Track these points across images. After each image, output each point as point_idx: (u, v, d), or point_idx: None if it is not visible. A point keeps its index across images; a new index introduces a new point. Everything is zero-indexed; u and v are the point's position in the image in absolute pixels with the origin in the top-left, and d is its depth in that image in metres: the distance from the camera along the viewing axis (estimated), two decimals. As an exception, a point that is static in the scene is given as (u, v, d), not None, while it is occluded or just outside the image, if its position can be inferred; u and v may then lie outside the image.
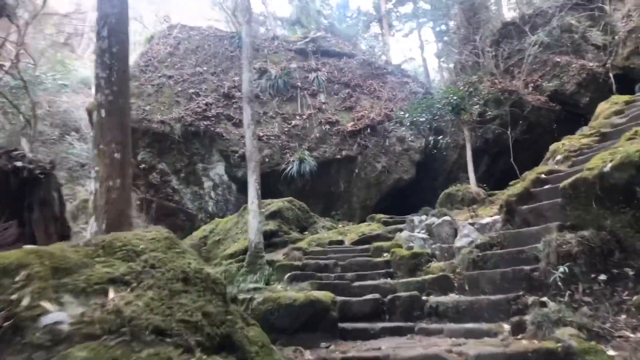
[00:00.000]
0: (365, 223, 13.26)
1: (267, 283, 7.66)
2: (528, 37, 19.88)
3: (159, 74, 17.90)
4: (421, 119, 11.39)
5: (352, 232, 12.30)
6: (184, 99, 17.21)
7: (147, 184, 17.09)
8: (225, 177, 16.02)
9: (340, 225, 14.37)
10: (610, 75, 18.46)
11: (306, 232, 12.67)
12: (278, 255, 10.08)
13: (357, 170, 16.61)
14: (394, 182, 16.60)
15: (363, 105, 18.26)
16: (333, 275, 7.18)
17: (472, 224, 7.26)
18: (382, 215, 13.61)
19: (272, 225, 11.66)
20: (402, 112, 11.84)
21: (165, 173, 16.65)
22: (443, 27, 33.67)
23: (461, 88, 11.28)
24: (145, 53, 18.92)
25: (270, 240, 11.52)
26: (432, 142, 12.73)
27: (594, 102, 18.08)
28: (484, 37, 21.25)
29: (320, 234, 12.23)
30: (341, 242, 10.89)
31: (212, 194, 16.48)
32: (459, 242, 6.91)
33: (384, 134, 17.35)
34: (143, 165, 16.61)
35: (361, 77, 19.54)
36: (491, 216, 7.70)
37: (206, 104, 16.87)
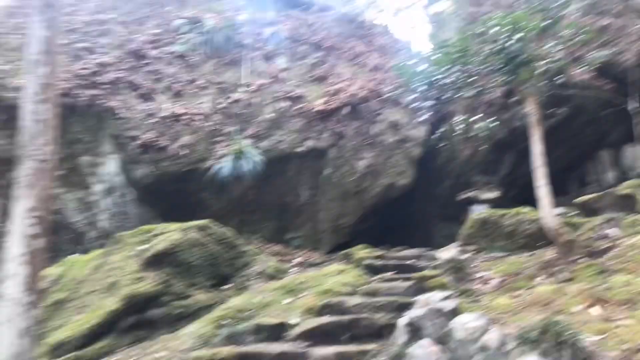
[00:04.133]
0: (335, 266, 7.60)
1: None
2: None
3: (35, 19, 11.94)
4: (447, 80, 5.78)
5: (309, 287, 6.67)
6: (67, 56, 11.28)
7: (9, 185, 11.18)
8: (121, 178, 10.20)
9: (293, 264, 8.70)
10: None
11: (228, 286, 6.99)
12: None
13: (327, 171, 10.91)
14: (383, 190, 10.96)
15: (340, 74, 12.54)
16: None
17: None
18: (365, 251, 8.00)
19: (149, 283, 5.92)
20: (411, 63, 6.15)
21: (35, 169, 10.72)
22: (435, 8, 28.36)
23: (522, 19, 5.64)
24: (22, -10, 12.94)
25: (144, 315, 5.82)
26: (454, 124, 7.03)
27: (663, 79, 12.61)
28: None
29: (250, 293, 6.54)
30: (280, 329, 5.22)
31: (105, 201, 10.64)
32: None
33: (369, 118, 11.68)
34: None
35: (339, 36, 13.81)
36: None
37: (100, 65, 10.95)
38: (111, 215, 10.64)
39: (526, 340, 2.93)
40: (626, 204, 6.92)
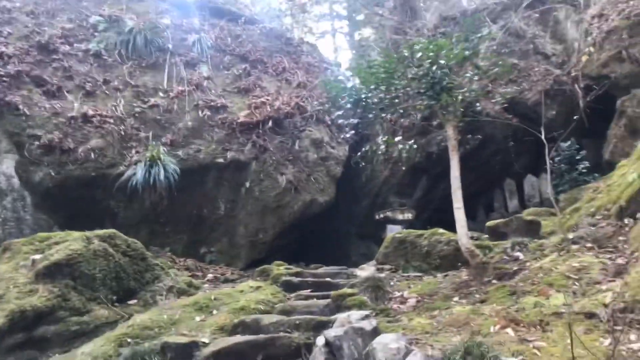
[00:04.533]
0: (250, 283, 7.33)
1: None
2: (474, 34, 15.49)
3: None
4: (372, 100, 5.81)
5: (223, 304, 6.36)
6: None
7: None
8: (16, 181, 9.23)
9: (206, 279, 8.29)
10: (577, 86, 14.16)
11: (134, 301, 6.47)
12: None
13: (248, 185, 10.64)
14: (303, 206, 10.85)
15: (265, 88, 12.40)
16: None
17: None
18: (282, 269, 7.79)
19: (42, 297, 5.30)
20: (339, 79, 6.12)
21: None
22: (357, 35, 29.19)
23: (455, 48, 5.85)
24: None
25: (34, 332, 5.20)
26: (378, 144, 7.04)
27: (560, 117, 13.76)
28: (420, 28, 16.82)
29: (158, 309, 6.10)
30: (189, 349, 4.86)
31: (-3, 206, 9.58)
32: None
33: (293, 133, 11.62)
34: None
35: (265, 50, 13.70)
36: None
37: (0, 55, 9.98)
38: (3, 220, 9.56)
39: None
40: (531, 229, 7.33)
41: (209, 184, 10.49)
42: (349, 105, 6.05)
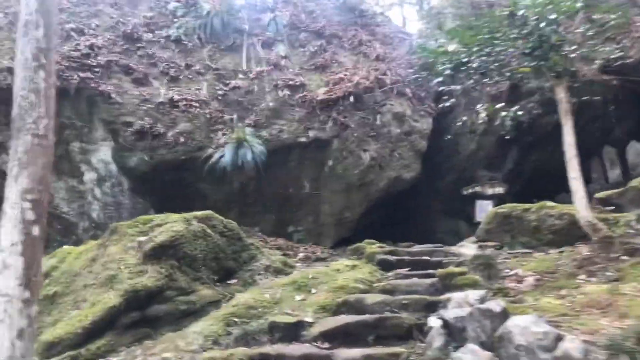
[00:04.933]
0: (344, 261, 7.20)
1: None
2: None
3: (22, -2, 11.28)
4: (472, 65, 5.37)
5: (321, 283, 6.26)
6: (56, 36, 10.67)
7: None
8: (114, 167, 9.64)
9: (298, 258, 8.26)
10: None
11: (234, 281, 6.55)
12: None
13: (331, 163, 10.49)
14: (388, 183, 10.55)
15: (342, 63, 12.11)
16: None
17: None
18: (376, 247, 7.59)
19: (152, 277, 5.45)
20: (436, 43, 5.68)
21: (21, 156, 10.10)
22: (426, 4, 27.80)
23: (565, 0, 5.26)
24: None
25: (146, 311, 5.36)
26: (478, 112, 6.60)
27: (670, 75, 12.25)
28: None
29: (259, 288, 6.11)
30: (296, 328, 4.78)
31: (97, 191, 10.08)
32: None
33: (374, 108, 11.27)
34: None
35: (340, 24, 13.36)
36: None
37: (91, 47, 10.38)
38: (103, 205, 10.08)
39: (619, 350, 2.51)
40: (650, 200, 6.61)
41: (292, 164, 10.44)
42: (448, 72, 5.63)
